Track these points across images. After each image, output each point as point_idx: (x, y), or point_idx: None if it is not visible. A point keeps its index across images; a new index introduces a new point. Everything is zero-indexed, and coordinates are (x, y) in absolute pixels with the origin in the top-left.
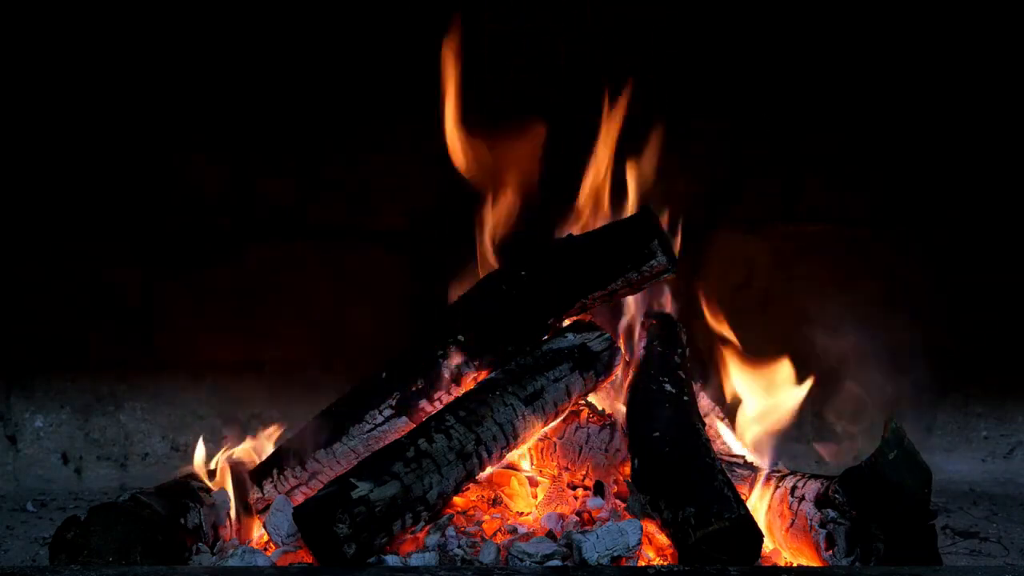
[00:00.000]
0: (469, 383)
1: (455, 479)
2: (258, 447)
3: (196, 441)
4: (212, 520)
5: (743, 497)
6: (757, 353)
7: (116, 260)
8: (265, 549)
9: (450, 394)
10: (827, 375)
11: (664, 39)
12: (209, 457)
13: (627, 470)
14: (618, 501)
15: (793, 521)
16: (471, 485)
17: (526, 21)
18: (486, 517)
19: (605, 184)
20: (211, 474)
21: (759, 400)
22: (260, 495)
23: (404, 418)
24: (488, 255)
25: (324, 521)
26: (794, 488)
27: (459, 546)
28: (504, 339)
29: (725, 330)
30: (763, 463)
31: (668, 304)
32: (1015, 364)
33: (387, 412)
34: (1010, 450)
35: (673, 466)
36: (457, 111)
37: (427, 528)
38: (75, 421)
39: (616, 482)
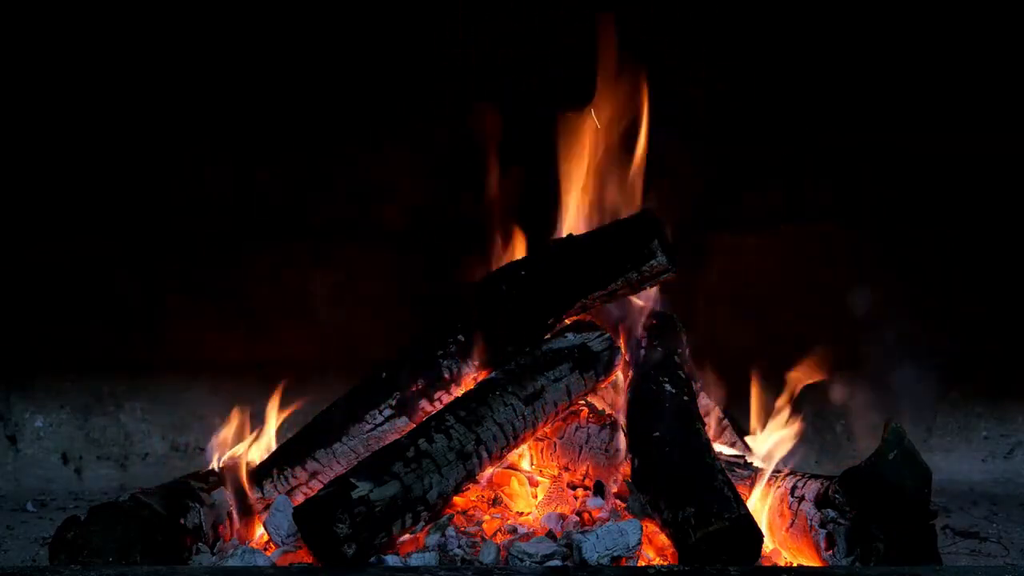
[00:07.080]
0: (469, 383)
1: (455, 479)
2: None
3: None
4: (212, 520)
5: (743, 497)
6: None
7: (116, 260)
8: (265, 549)
9: (450, 394)
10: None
11: (667, 38)
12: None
13: (627, 470)
14: (618, 501)
15: (793, 521)
16: (471, 485)
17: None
18: (486, 517)
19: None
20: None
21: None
22: (260, 495)
23: (404, 418)
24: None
25: (324, 521)
26: (794, 488)
27: (459, 546)
28: (504, 339)
29: None
30: (763, 463)
31: (667, 304)
32: (1015, 364)
33: (387, 412)
34: (1010, 450)
35: (673, 466)
36: None
37: (427, 528)
38: (75, 421)
39: (616, 482)
